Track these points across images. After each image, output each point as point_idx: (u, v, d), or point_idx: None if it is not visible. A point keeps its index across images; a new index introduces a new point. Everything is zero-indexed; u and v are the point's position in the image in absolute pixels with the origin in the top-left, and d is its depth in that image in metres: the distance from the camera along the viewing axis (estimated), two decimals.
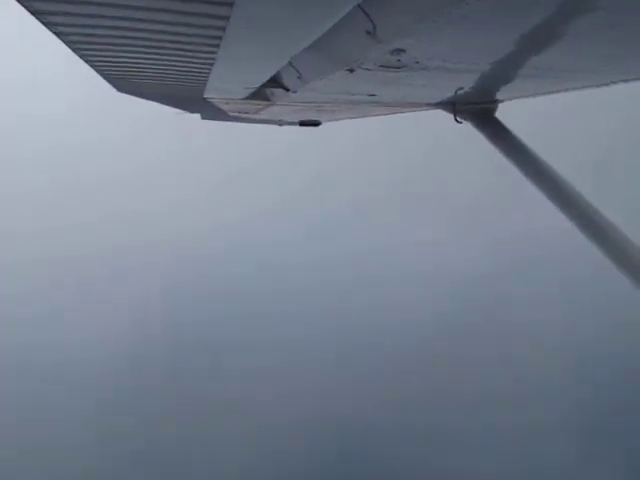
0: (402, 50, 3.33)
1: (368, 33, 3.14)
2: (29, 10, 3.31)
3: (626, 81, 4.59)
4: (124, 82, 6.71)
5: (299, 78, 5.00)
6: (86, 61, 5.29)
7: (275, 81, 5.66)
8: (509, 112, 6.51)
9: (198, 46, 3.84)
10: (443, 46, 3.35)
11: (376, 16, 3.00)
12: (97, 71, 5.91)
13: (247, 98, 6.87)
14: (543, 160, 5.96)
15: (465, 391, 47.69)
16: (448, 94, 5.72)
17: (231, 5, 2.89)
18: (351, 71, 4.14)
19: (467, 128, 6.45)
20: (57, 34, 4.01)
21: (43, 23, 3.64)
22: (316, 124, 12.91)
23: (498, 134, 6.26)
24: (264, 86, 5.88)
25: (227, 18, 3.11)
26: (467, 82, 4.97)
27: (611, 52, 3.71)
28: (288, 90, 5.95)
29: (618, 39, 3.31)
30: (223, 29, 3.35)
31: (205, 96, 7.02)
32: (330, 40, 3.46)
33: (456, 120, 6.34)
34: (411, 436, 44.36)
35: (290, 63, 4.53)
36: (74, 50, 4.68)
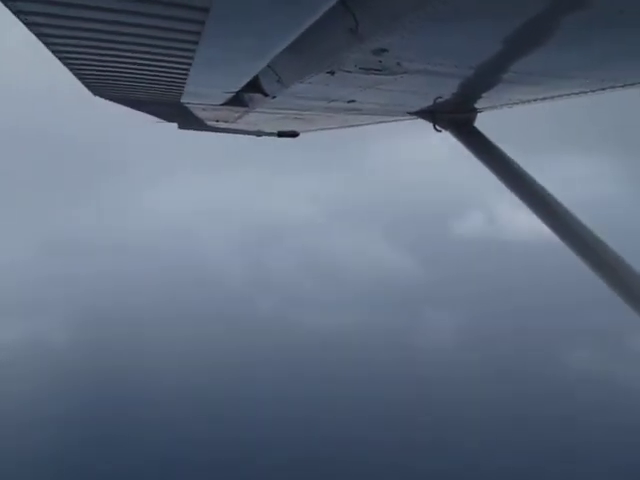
0: (384, 50, 3.28)
1: (351, 31, 3.08)
2: (12, 10, 3.23)
3: (603, 90, 4.62)
4: (101, 86, 6.59)
5: (278, 82, 4.94)
6: (63, 62, 5.17)
7: (254, 86, 5.59)
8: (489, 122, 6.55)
9: (176, 44, 3.75)
10: (426, 46, 3.31)
11: (359, 13, 2.95)
12: (74, 73, 5.79)
13: (225, 104, 6.78)
14: (524, 170, 5.96)
15: None
16: (428, 102, 5.70)
17: (208, 5, 2.82)
18: (332, 73, 4.09)
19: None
20: (37, 35, 3.92)
21: (24, 23, 3.56)
22: (294, 135, 12.88)
23: (478, 143, 6.26)
24: (242, 91, 5.80)
25: (204, 18, 3.05)
26: (447, 89, 4.95)
27: (591, 59, 3.72)
28: (267, 95, 5.87)
29: (600, 46, 3.31)
30: (200, 28, 3.28)
31: (182, 101, 6.91)
32: (311, 39, 3.40)
33: (435, 129, 6.33)
34: None
35: (269, 66, 4.46)
36: (52, 51, 4.58)
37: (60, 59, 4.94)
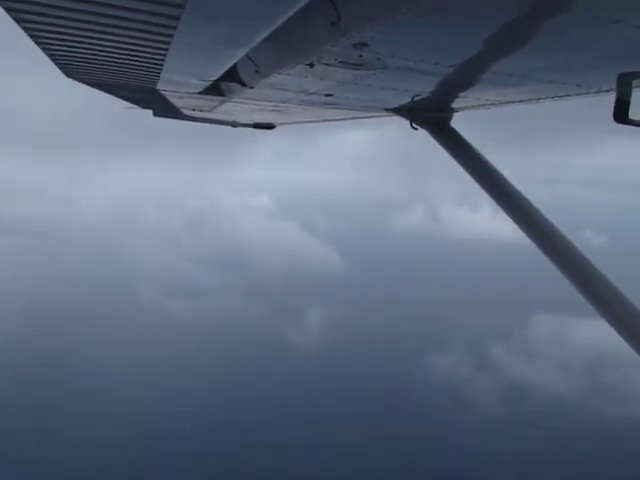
0: (365, 44, 3.26)
1: (332, 24, 3.06)
2: None
3: (579, 95, 4.67)
4: (74, 68, 6.43)
5: (257, 72, 4.88)
6: (36, 41, 5.01)
7: (231, 75, 5.52)
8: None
9: (153, 27, 3.67)
10: (407, 42, 3.30)
11: (341, 5, 2.92)
12: (47, 54, 5.63)
13: (202, 92, 6.69)
14: (498, 171, 6.02)
15: None
16: (406, 100, 5.71)
17: None
18: (311, 66, 4.05)
19: None
20: (7, 10, 3.78)
21: None
22: (270, 127, 12.79)
23: (453, 143, 6.29)
24: (220, 80, 5.73)
25: (183, 2, 2.98)
26: (426, 87, 4.95)
27: (570, 64, 3.75)
28: (245, 85, 5.81)
29: (579, 52, 3.33)
30: (179, 12, 3.21)
31: (158, 88, 6.80)
32: (291, 31, 3.36)
33: (412, 127, 6.34)
34: None
35: (248, 55, 4.41)
36: (24, 29, 4.42)
37: (32, 37, 4.78)
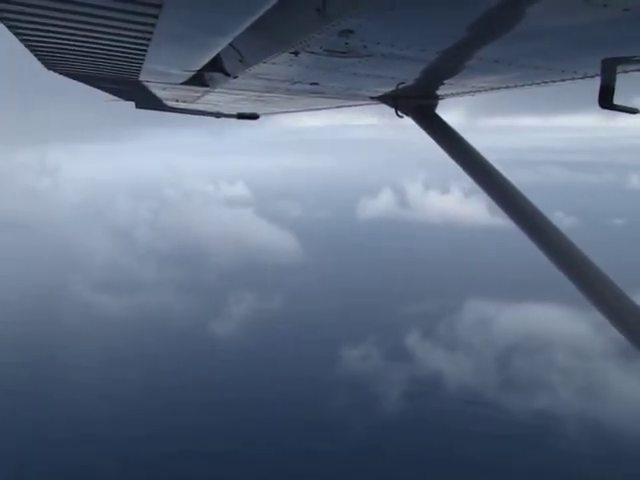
0: (351, 32, 3.23)
1: (317, 11, 3.02)
2: None
3: (564, 81, 4.68)
4: (54, 60, 6.32)
5: (241, 61, 4.83)
6: (14, 32, 4.91)
7: (215, 65, 5.46)
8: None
9: (135, 17, 3.61)
10: (393, 29, 3.28)
11: None
12: (26, 45, 5.53)
13: (185, 83, 6.62)
14: (484, 157, 6.03)
15: None
16: (391, 88, 5.69)
17: None
18: (296, 54, 4.02)
19: None
20: None
21: None
22: (254, 117, 12.71)
23: (439, 130, 6.29)
24: (203, 70, 5.66)
25: None
26: (412, 74, 4.94)
27: (556, 50, 3.75)
28: (228, 75, 5.76)
29: (564, 37, 3.33)
30: (161, 1, 3.16)
31: (141, 79, 6.71)
32: (276, 18, 3.31)
33: (397, 114, 6.33)
34: None
35: (232, 44, 4.35)
36: (2, 19, 4.32)
37: (10, 28, 4.68)
